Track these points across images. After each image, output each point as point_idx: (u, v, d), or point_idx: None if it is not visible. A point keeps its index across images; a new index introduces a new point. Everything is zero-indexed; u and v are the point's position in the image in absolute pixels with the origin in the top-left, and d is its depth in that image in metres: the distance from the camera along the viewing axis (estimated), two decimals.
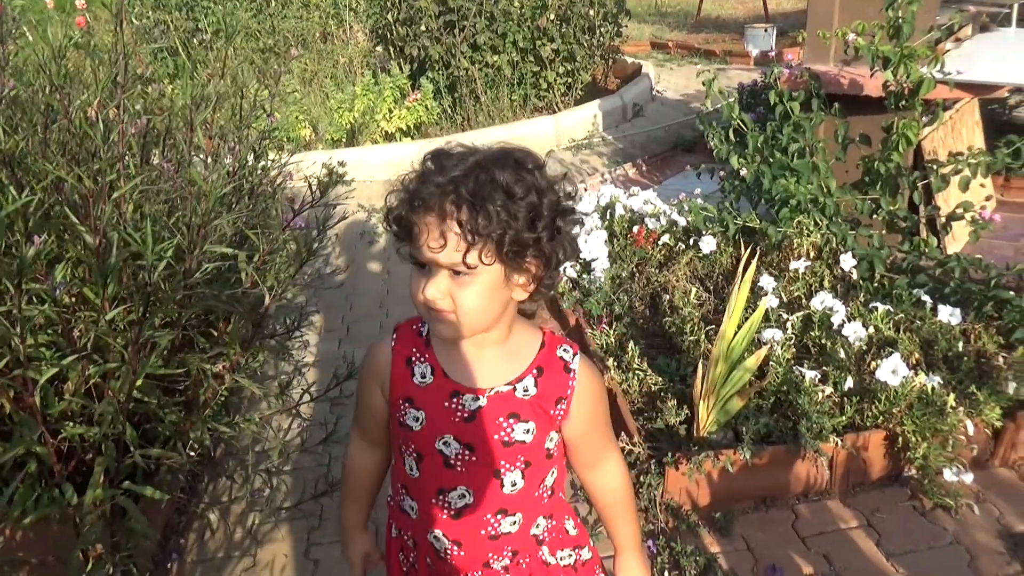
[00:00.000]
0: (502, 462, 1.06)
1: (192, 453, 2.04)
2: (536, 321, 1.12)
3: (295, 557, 2.10)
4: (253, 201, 2.26)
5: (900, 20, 2.88)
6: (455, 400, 1.04)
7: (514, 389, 1.04)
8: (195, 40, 5.83)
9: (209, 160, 1.98)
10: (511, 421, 1.04)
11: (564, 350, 1.08)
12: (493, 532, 1.09)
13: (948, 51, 3.59)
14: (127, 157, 1.84)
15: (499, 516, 1.08)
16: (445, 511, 1.08)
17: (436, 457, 1.07)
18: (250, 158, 2.38)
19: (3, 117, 1.83)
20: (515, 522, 1.09)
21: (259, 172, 2.39)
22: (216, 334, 2.15)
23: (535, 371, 1.05)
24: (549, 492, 1.13)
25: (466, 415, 1.04)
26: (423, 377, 1.07)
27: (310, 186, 2.03)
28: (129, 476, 1.87)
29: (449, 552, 1.10)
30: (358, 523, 1.27)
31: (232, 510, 2.27)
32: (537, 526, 1.12)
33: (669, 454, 2.08)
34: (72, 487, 1.79)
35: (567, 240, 0.99)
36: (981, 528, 2.03)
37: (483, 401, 1.04)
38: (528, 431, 1.05)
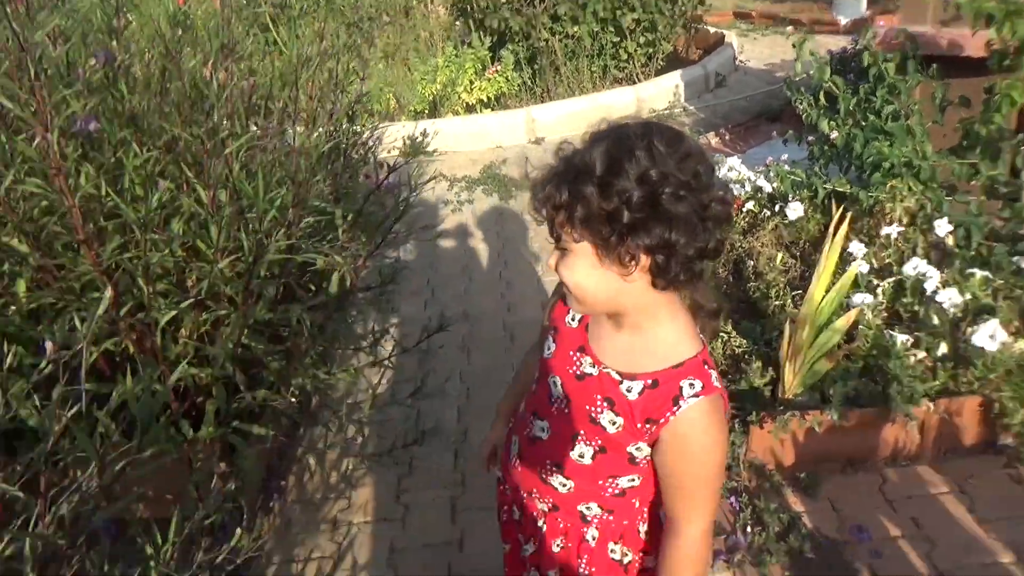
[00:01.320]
0: (582, 431, 1.09)
1: (293, 399, 2.17)
2: (697, 334, 1.05)
3: (387, 501, 2.21)
4: (348, 162, 2.35)
5: None
6: (578, 354, 1.10)
7: (622, 381, 1.03)
8: (283, 16, 6.01)
9: (308, 121, 2.08)
10: (604, 405, 1.05)
11: (691, 383, 0.99)
12: (544, 476, 1.15)
13: None
14: (235, 117, 1.95)
15: (554, 468, 1.13)
16: (528, 430, 1.18)
17: (546, 388, 1.15)
18: (344, 121, 2.48)
19: (123, 82, 1.97)
20: (565, 485, 1.12)
21: (353, 134, 2.49)
22: (314, 288, 2.26)
23: (650, 382, 1.01)
24: (619, 492, 1.11)
25: (578, 373, 1.09)
26: (571, 320, 1.15)
27: (402, 151, 2.11)
28: (237, 417, 2.01)
29: (515, 461, 1.22)
30: (505, 411, 1.37)
31: (328, 456, 2.40)
32: (588, 508, 1.13)
33: (754, 413, 2.09)
34: (188, 424, 1.93)
35: (678, 221, 0.92)
36: None
37: (595, 371, 1.07)
38: (615, 423, 1.04)
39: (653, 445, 1.04)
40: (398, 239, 2.34)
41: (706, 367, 1.01)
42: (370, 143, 2.70)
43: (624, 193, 0.92)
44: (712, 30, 7.03)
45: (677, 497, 1.04)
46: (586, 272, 0.98)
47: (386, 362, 2.36)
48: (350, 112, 2.57)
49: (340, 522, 2.15)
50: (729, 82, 6.13)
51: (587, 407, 1.07)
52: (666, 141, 0.94)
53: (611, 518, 1.13)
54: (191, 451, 2.06)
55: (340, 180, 2.45)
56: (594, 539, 1.14)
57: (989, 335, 2.11)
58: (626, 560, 1.15)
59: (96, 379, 1.87)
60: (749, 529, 1.95)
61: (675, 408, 0.99)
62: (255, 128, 2.19)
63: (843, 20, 7.49)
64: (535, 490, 1.18)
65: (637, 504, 1.12)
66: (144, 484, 2.16)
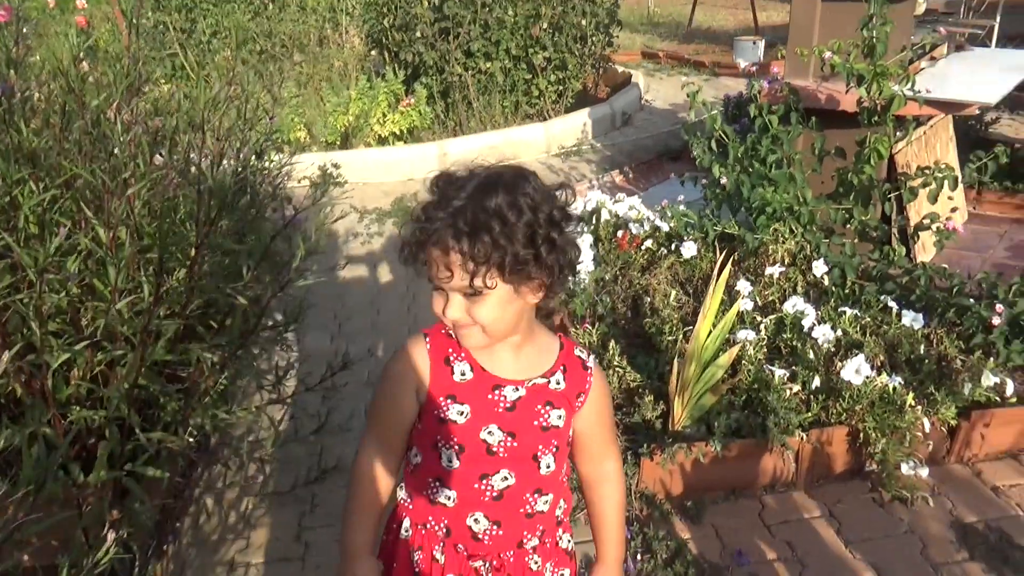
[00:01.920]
0: (540, 446, 1.18)
1: (191, 439, 2.15)
2: (550, 324, 1.23)
3: (287, 540, 2.21)
4: (255, 199, 2.37)
5: (874, 39, 3.03)
6: (497, 392, 1.14)
7: (548, 381, 1.17)
8: (192, 41, 5.93)
9: (214, 160, 2.09)
10: (547, 408, 1.17)
11: (580, 352, 1.22)
12: (530, 510, 1.20)
13: (922, 69, 3.74)
14: (139, 156, 1.95)
15: (536, 495, 1.19)
16: (488, 493, 1.17)
17: (479, 446, 1.15)
18: (252, 159, 2.49)
19: (21, 117, 1.93)
20: (547, 501, 1.21)
21: (261, 172, 2.50)
22: (216, 326, 2.26)
23: (562, 367, 1.18)
24: (564, 477, 1.25)
25: (508, 405, 1.15)
26: (463, 374, 1.15)
27: (312, 183, 2.15)
28: (131, 460, 1.97)
29: (488, 532, 1.18)
30: (366, 543, 1.22)
31: (226, 496, 2.38)
32: (560, 507, 1.25)
33: (644, 445, 2.21)
34: (78, 467, 1.89)
35: (568, 245, 1.09)
36: (935, 519, 2.17)
37: (523, 391, 1.15)
38: (560, 417, 1.18)
39: (577, 416, 1.21)
40: (304, 276, 2.36)
41: (568, 339, 1.24)
42: (278, 179, 2.71)
43: (536, 233, 1.04)
44: (620, 69, 7.34)
45: (608, 438, 1.28)
46: (500, 309, 1.07)
47: (289, 400, 2.37)
48: (258, 149, 2.59)
49: (237, 563, 2.14)
50: (635, 120, 6.40)
51: (535, 421, 1.16)
52: (536, 183, 1.08)
53: (566, 506, 1.27)
54: (80, 496, 2.01)
55: (246, 217, 2.46)
56: (561, 537, 1.28)
57: (855, 370, 2.31)
58: (570, 545, 1.31)
59: None
60: (639, 557, 2.06)
61: (588, 372, 1.21)
62: (160, 158, 2.19)
63: (742, 64, 7.95)
64: (524, 537, 1.20)
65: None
66: (27, 532, 2.09)
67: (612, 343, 2.69)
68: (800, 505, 2.24)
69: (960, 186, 3.88)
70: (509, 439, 1.15)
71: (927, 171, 3.10)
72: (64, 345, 1.83)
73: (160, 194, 2.13)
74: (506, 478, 1.17)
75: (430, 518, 1.21)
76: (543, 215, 1.05)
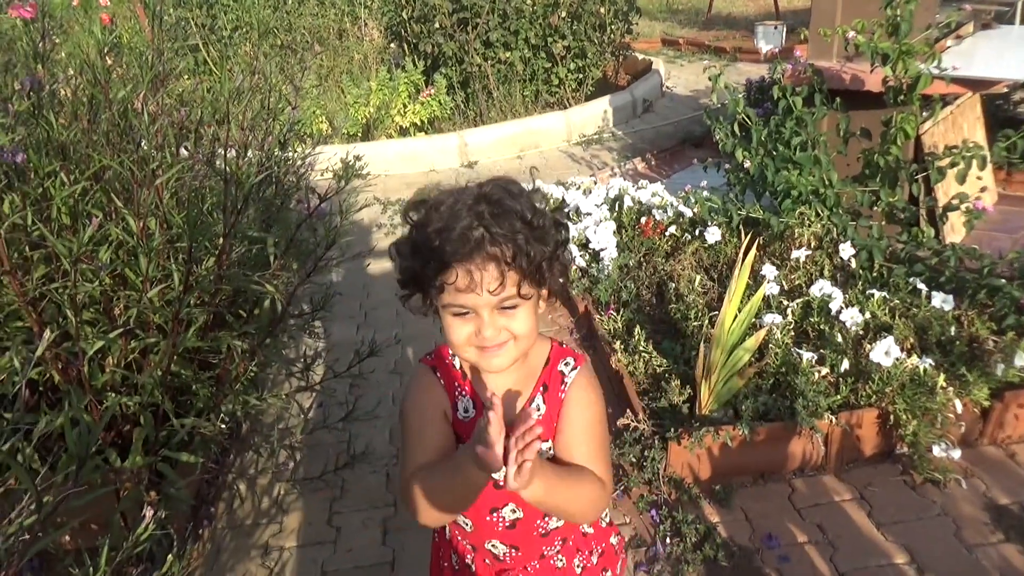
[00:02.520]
0: None
1: (223, 425, 2.18)
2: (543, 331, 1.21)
3: (318, 525, 2.24)
4: (280, 188, 2.39)
5: (899, 18, 2.98)
6: None
7: (532, 409, 1.12)
8: (214, 37, 5.98)
9: (239, 151, 2.11)
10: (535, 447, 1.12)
11: (565, 363, 1.14)
12: (543, 531, 1.19)
13: (948, 48, 3.68)
14: (165, 147, 1.97)
15: (546, 518, 1.18)
16: (500, 524, 1.16)
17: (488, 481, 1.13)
18: (276, 149, 2.51)
19: (50, 110, 1.97)
20: (560, 519, 1.20)
21: (285, 163, 2.52)
22: (244, 315, 2.28)
23: (542, 388, 1.13)
24: None
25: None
26: (466, 411, 1.13)
27: (335, 175, 2.16)
28: (165, 445, 2.01)
29: (508, 555, 1.19)
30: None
31: (259, 482, 2.41)
32: None
33: (672, 430, 2.20)
34: (115, 453, 1.93)
35: (567, 248, 1.08)
36: (968, 501, 2.14)
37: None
38: (551, 447, 1.12)
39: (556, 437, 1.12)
40: (330, 265, 2.39)
41: (561, 346, 1.16)
42: (302, 169, 2.74)
43: (550, 236, 1.03)
44: (640, 57, 7.29)
45: (592, 458, 1.10)
46: (533, 317, 1.05)
47: (317, 387, 2.39)
48: (282, 139, 2.61)
49: (271, 547, 2.17)
50: (656, 108, 6.36)
51: None
52: (518, 187, 1.05)
53: None
54: (117, 480, 2.05)
55: (272, 207, 2.48)
56: (587, 526, 1.25)
57: (885, 351, 2.29)
58: (602, 525, 1.28)
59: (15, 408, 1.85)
60: (668, 540, 2.05)
61: (563, 388, 1.13)
62: (185, 152, 2.22)
63: (764, 49, 7.86)
64: (544, 551, 1.20)
65: None
66: (70, 515, 2.14)
67: (637, 329, 2.68)
68: (830, 488, 2.23)
69: (989, 166, 3.82)
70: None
71: (955, 150, 3.05)
72: (98, 333, 1.86)
73: (187, 185, 2.16)
74: (514, 510, 1.15)
75: (458, 532, 1.23)
76: (549, 218, 1.04)
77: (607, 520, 1.31)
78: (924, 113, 3.28)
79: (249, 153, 2.18)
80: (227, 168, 1.90)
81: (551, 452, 1.12)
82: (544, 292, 1.07)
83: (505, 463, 0.92)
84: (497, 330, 1.02)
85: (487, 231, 0.97)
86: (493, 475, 1.02)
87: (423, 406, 1.13)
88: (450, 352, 1.15)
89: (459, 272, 0.98)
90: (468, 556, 1.23)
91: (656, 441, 2.26)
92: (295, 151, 2.66)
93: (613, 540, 1.31)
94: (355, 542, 2.16)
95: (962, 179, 3.08)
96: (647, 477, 2.22)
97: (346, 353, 2.48)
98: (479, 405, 1.12)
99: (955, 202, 3.10)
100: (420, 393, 1.14)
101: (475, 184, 1.05)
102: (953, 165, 3.06)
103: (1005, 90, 3.77)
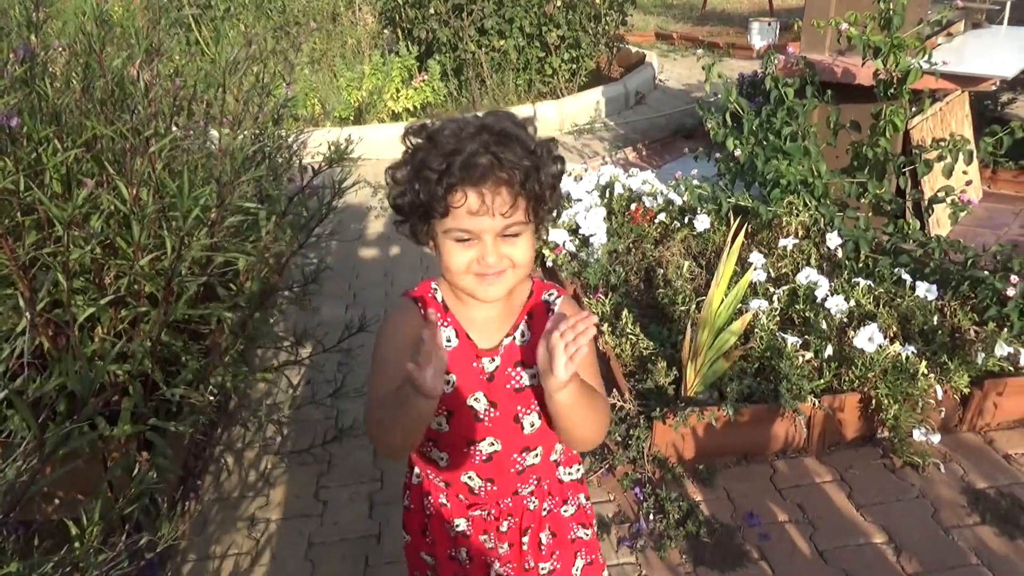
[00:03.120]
0: (519, 407, 1.16)
1: (212, 398, 2.19)
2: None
3: (305, 498, 2.25)
4: (273, 164, 2.39)
5: (891, 12, 3.01)
6: (479, 362, 1.13)
7: (514, 339, 1.14)
8: (207, 17, 5.94)
9: (233, 122, 2.12)
10: (518, 369, 1.15)
11: (549, 294, 1.18)
12: (520, 467, 1.20)
13: (939, 45, 3.72)
14: (159, 118, 1.97)
15: (524, 453, 1.20)
16: (476, 457, 1.17)
17: (467, 412, 1.14)
18: (270, 125, 2.52)
19: (43, 79, 1.96)
20: (537, 455, 1.21)
21: (278, 138, 2.53)
22: (235, 288, 2.29)
23: (527, 317, 1.15)
24: None
25: (487, 376, 1.14)
26: (448, 341, 1.13)
27: (329, 152, 2.17)
28: (154, 415, 2.02)
29: (483, 488, 1.20)
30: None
31: (246, 455, 2.42)
32: (555, 452, 1.25)
33: (657, 409, 2.23)
34: (104, 422, 1.93)
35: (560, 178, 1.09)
36: (946, 485, 2.18)
37: (497, 361, 1.14)
38: (534, 375, 1.13)
39: None
40: (321, 240, 2.39)
41: (543, 282, 1.19)
42: (295, 147, 2.74)
43: (549, 161, 1.05)
44: (634, 49, 7.31)
45: (592, 379, 1.14)
46: (530, 248, 1.07)
47: (306, 362, 2.40)
48: (275, 116, 2.61)
49: (258, 519, 2.18)
50: (648, 100, 6.39)
51: (507, 386, 1.14)
52: (516, 119, 1.06)
53: (561, 446, 1.26)
54: (106, 449, 2.06)
55: (264, 182, 2.49)
56: (563, 472, 1.27)
57: (868, 337, 2.32)
58: (580, 474, 1.30)
59: (5, 376, 1.85)
60: (651, 517, 2.08)
61: (551, 313, 1.15)
62: (177, 129, 2.22)
63: (757, 45, 7.90)
64: (518, 487, 1.21)
65: None
66: (54, 485, 2.14)
67: (625, 312, 2.71)
68: (812, 470, 2.26)
69: (975, 163, 3.87)
70: (492, 409, 1.14)
71: (942, 143, 3.09)
72: (89, 300, 1.87)
73: (180, 158, 2.16)
74: (492, 443, 1.17)
75: (429, 471, 1.24)
76: (547, 149, 1.06)
77: (580, 475, 1.32)
78: (913, 108, 3.32)
79: (243, 125, 2.19)
80: (221, 137, 1.91)
81: (536, 380, 1.12)
82: (538, 223, 1.08)
83: (553, 358, 0.98)
84: (499, 257, 1.03)
85: (496, 157, 0.98)
86: (474, 406, 1.10)
87: (398, 339, 1.12)
88: (432, 285, 1.16)
89: (471, 194, 0.99)
90: (441, 495, 1.24)
91: (641, 421, 2.29)
92: (288, 130, 2.66)
93: (583, 500, 1.31)
94: (341, 515, 2.18)
95: (948, 173, 3.12)
96: (632, 456, 2.25)
97: (335, 331, 2.49)
98: (463, 334, 1.14)
99: (941, 195, 3.14)
100: (397, 325, 1.15)
101: (474, 115, 1.05)
102: (940, 158, 3.10)
103: (993, 88, 3.81)
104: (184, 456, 2.33)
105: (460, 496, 1.23)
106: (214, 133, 2.09)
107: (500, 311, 1.15)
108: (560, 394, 1.02)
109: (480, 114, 1.06)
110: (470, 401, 1.14)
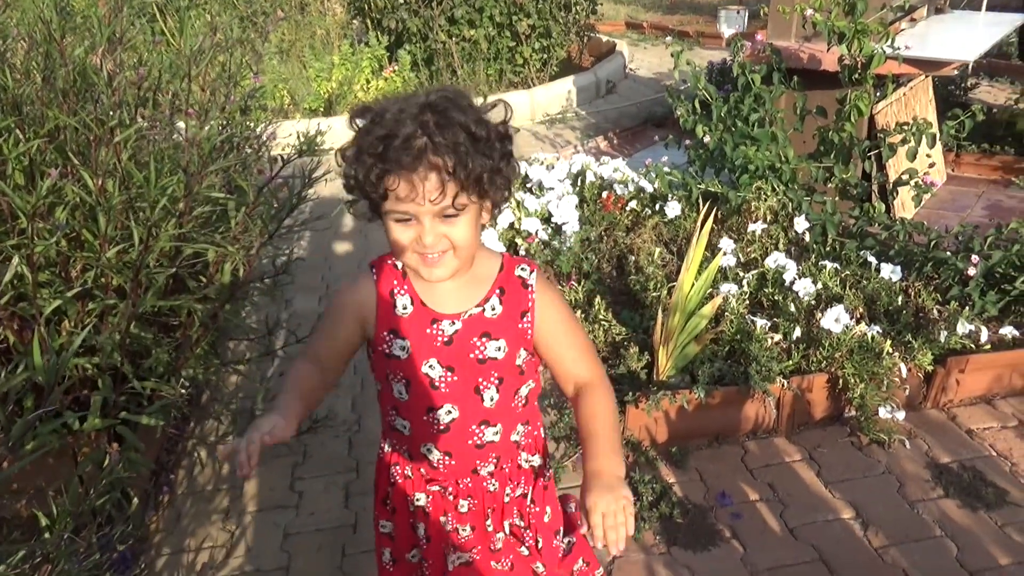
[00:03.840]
0: (479, 379, 1.18)
1: (183, 390, 2.17)
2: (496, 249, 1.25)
3: (280, 489, 2.24)
4: (241, 155, 2.37)
5: None
6: (435, 326, 1.16)
7: (483, 310, 1.16)
8: (171, 7, 5.84)
9: (200, 112, 2.09)
10: (483, 340, 1.16)
11: (522, 268, 1.19)
12: (479, 441, 1.21)
13: (902, 30, 3.78)
14: (123, 107, 1.95)
15: (482, 427, 1.21)
16: (435, 426, 1.19)
17: (423, 379, 1.17)
18: (237, 115, 2.49)
19: (2, 68, 1.93)
20: (497, 432, 1.22)
21: (246, 129, 2.50)
22: (205, 280, 2.27)
23: (498, 291, 1.17)
24: (524, 402, 1.24)
25: (445, 339, 1.15)
26: (404, 308, 1.16)
27: (298, 143, 2.15)
28: (125, 409, 1.99)
29: (441, 462, 1.21)
30: (288, 408, 1.18)
31: (219, 449, 2.40)
32: (516, 432, 1.26)
33: (630, 393, 2.25)
34: (74, 416, 1.91)
35: (514, 159, 1.11)
36: (911, 460, 2.24)
37: (459, 325, 1.16)
38: (499, 348, 1.16)
39: (533, 337, 1.19)
40: (292, 231, 2.38)
41: (512, 256, 1.21)
42: (264, 138, 2.72)
43: (495, 147, 1.06)
44: (604, 39, 7.33)
45: (581, 352, 1.22)
46: (474, 227, 1.09)
47: (279, 353, 2.39)
48: (243, 106, 2.58)
49: (232, 512, 2.17)
50: (619, 88, 6.41)
51: (471, 355, 1.16)
52: (465, 99, 1.07)
53: (529, 428, 1.27)
54: (75, 444, 2.04)
55: (233, 172, 2.46)
56: (524, 459, 1.27)
57: (834, 318, 2.37)
58: (539, 463, 1.30)
59: None
60: None
61: (529, 289, 1.18)
62: (142, 120, 2.19)
63: (727, 33, 7.95)
64: (477, 465, 1.22)
65: (535, 403, 1.29)
66: (25, 481, 2.11)
67: (597, 299, 2.73)
68: (781, 450, 2.31)
69: (939, 146, 3.94)
70: (449, 373, 1.16)
71: (906, 127, 3.14)
72: (55, 293, 1.84)
73: (147, 147, 2.14)
74: (450, 411, 1.18)
75: (394, 440, 1.26)
76: (494, 130, 1.07)
77: (538, 464, 1.31)
78: (877, 93, 3.37)
79: (210, 115, 2.17)
80: (187, 128, 1.89)
81: (501, 352, 1.16)
82: (488, 204, 1.10)
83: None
84: (437, 237, 1.06)
85: (430, 140, 1.00)
86: (429, 373, 1.16)
87: (345, 305, 1.20)
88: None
89: (400, 181, 1.01)
90: (407, 467, 1.25)
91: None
92: (257, 121, 2.64)
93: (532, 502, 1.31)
94: (317, 506, 2.18)
95: (912, 156, 3.18)
96: None
97: (308, 323, 2.49)
98: (418, 301, 1.16)
99: (905, 177, 3.20)
100: (347, 299, 1.21)
101: (423, 93, 1.06)
102: (904, 142, 3.16)
103: (955, 73, 3.89)
104: (156, 450, 2.32)
105: (421, 470, 1.24)
106: (181, 124, 2.07)
107: (461, 282, 1.17)
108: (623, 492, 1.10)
109: (428, 92, 1.06)
110: (424, 369, 1.16)
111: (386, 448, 1.30)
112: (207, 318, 2.03)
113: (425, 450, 1.22)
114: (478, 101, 1.12)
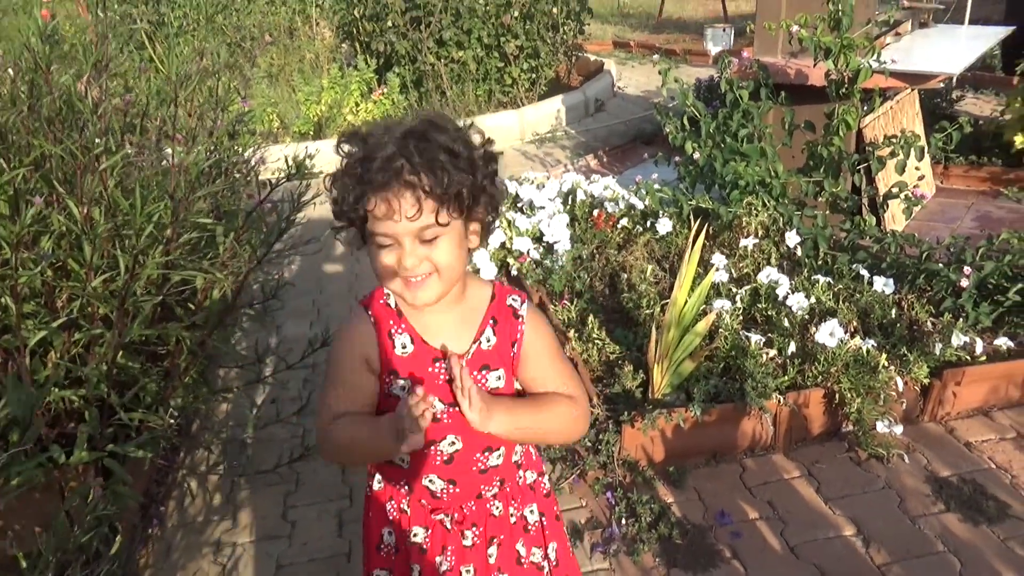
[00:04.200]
0: None
1: (172, 420, 2.14)
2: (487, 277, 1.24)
3: (273, 519, 2.21)
4: (230, 179, 2.35)
5: (840, 13, 3.08)
6: (436, 364, 1.14)
7: (480, 344, 1.15)
8: (160, 34, 5.86)
9: (187, 137, 2.08)
10: (484, 373, 1.15)
11: (513, 299, 1.19)
12: (483, 467, 1.20)
13: (887, 44, 3.81)
14: (110, 134, 1.93)
15: (486, 453, 1.19)
16: (438, 458, 1.16)
17: None
18: (225, 139, 2.48)
19: None
20: (500, 455, 1.21)
21: (235, 153, 2.49)
22: (194, 307, 2.24)
23: (491, 321, 1.16)
24: None
25: (447, 378, 1.13)
26: (404, 347, 1.13)
27: (288, 166, 2.14)
28: (112, 441, 1.96)
29: (445, 491, 1.19)
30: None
31: (210, 478, 2.37)
32: (516, 452, 1.26)
33: (626, 413, 2.23)
34: (60, 450, 1.87)
35: (499, 183, 1.11)
36: (910, 475, 2.21)
37: (463, 364, 1.12)
38: (500, 377, 1.16)
39: (516, 367, 1.18)
40: (281, 255, 2.36)
41: (504, 286, 1.20)
42: (252, 162, 2.70)
43: (479, 168, 1.06)
44: (592, 58, 7.38)
45: (564, 383, 1.19)
46: (457, 249, 1.07)
47: (270, 380, 2.36)
48: (231, 130, 2.57)
49: (224, 543, 2.13)
50: (608, 107, 6.44)
51: None
52: (448, 121, 1.07)
53: (522, 448, 1.27)
54: (62, 479, 1.99)
55: (221, 198, 2.45)
56: (523, 476, 1.27)
57: (829, 332, 2.36)
58: (533, 479, 1.30)
59: None
60: (624, 521, 2.08)
61: (519, 319, 1.18)
62: (129, 147, 2.17)
63: (713, 51, 8.02)
64: (481, 490, 1.21)
65: None
66: (11, 519, 2.07)
67: (591, 318, 2.71)
68: (780, 467, 2.28)
69: (927, 159, 3.96)
70: (452, 408, 1.13)
71: (894, 140, 3.15)
72: (40, 324, 1.81)
73: (133, 175, 2.12)
74: (453, 443, 1.16)
75: (389, 475, 1.23)
76: (478, 151, 1.07)
77: (547, 489, 1.32)
78: (865, 107, 3.39)
79: (198, 140, 2.16)
80: (174, 153, 1.87)
81: (502, 380, 1.16)
82: (474, 226, 1.10)
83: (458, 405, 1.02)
84: (418, 259, 1.04)
85: (407, 161, 1.00)
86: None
87: (352, 352, 1.15)
88: (385, 291, 1.16)
89: (377, 200, 1.01)
90: (403, 501, 1.22)
91: (610, 425, 2.29)
92: (245, 144, 2.63)
93: (552, 502, 1.32)
94: (310, 535, 2.14)
95: (901, 169, 3.19)
96: (602, 460, 2.25)
97: (299, 348, 2.45)
98: (417, 340, 1.14)
99: (895, 190, 3.20)
100: (350, 336, 1.16)
101: (410, 119, 1.07)
102: (893, 155, 3.17)
103: (940, 85, 3.91)
104: (146, 482, 2.27)
105: (422, 501, 1.22)
106: (169, 151, 2.06)
107: (457, 315, 1.15)
108: (489, 429, 1.07)
109: (415, 118, 1.07)
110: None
111: (376, 485, 1.27)
112: (195, 346, 2.00)
113: (427, 481, 1.19)
114: (468, 122, 1.12)
